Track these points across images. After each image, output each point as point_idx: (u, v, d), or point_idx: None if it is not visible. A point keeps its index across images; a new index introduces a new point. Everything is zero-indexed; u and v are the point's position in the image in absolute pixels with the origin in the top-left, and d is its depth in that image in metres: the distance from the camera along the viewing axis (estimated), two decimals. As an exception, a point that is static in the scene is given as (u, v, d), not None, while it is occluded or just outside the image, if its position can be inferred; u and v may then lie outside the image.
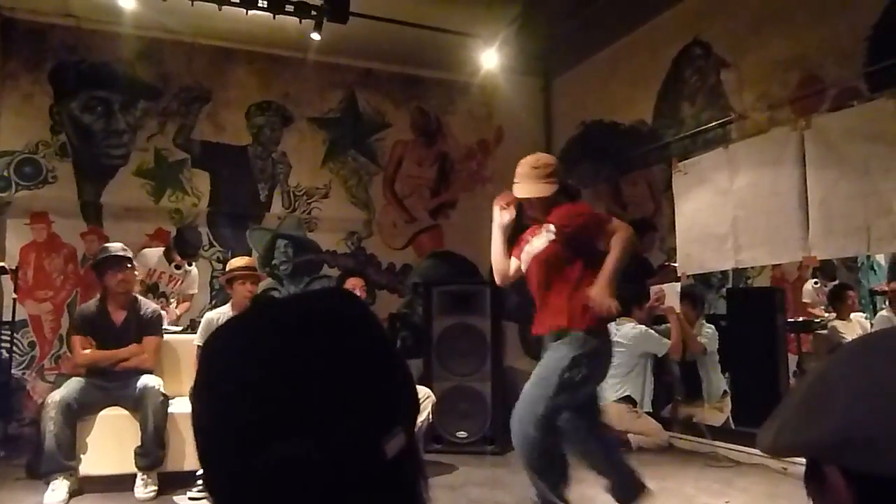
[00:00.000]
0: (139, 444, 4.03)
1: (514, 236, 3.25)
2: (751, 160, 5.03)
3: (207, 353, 0.68)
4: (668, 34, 6.06)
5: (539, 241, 3.01)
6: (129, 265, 4.34)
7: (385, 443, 0.62)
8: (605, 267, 2.88)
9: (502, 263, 3.20)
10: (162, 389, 4.18)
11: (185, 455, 4.18)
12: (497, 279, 3.27)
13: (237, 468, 0.60)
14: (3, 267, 5.44)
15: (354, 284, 5.16)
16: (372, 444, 0.61)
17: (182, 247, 5.58)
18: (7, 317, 5.60)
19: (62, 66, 6.19)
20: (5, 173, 5.97)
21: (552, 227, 2.96)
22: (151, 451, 4.03)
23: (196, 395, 0.67)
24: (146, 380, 4.19)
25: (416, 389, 0.72)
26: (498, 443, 5.28)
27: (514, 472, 4.70)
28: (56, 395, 3.98)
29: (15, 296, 5.64)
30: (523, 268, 3.13)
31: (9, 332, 5.64)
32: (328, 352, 0.63)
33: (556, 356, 2.88)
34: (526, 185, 3.00)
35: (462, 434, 5.30)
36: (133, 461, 4.01)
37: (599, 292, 2.81)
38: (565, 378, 2.81)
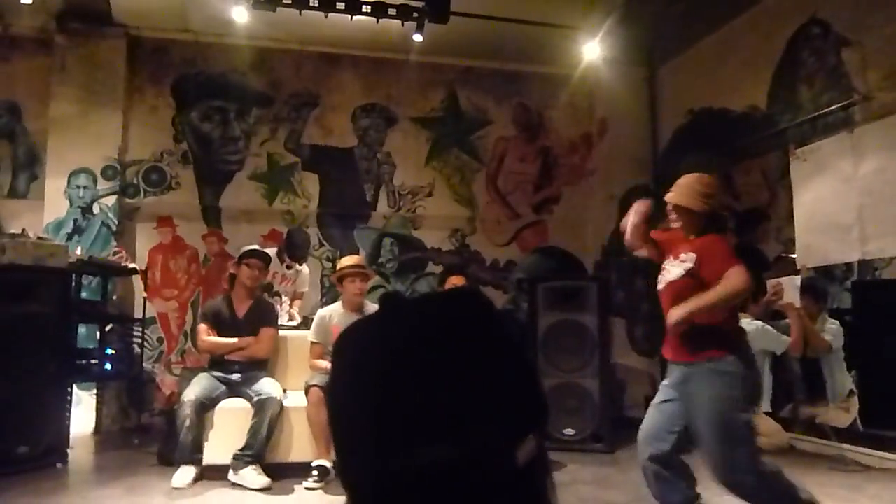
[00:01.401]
0: (243, 446, 4.17)
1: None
2: (878, 144, 4.70)
3: (342, 355, 0.70)
4: (782, 14, 5.74)
5: (676, 269, 2.96)
6: (266, 265, 4.86)
7: (518, 449, 0.63)
8: (702, 296, 2.77)
9: (637, 240, 3.14)
10: (282, 399, 4.39)
11: (300, 447, 4.36)
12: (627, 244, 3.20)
13: (377, 469, 0.62)
14: (134, 268, 5.87)
15: (455, 283, 5.11)
16: (506, 451, 0.62)
17: (291, 249, 5.86)
18: (138, 314, 6.04)
19: (182, 78, 6.62)
20: (134, 181, 6.44)
21: (692, 255, 2.88)
22: (258, 454, 4.19)
23: (334, 395, 0.69)
24: (268, 387, 4.38)
25: (544, 393, 0.71)
26: (606, 441, 5.20)
27: (624, 472, 4.62)
28: (191, 394, 4.26)
29: (145, 295, 6.08)
30: (659, 287, 3.07)
31: (140, 329, 6.08)
32: (463, 358, 0.64)
33: (717, 395, 2.76)
34: (679, 193, 3.00)
35: (570, 431, 5.24)
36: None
37: (677, 311, 2.77)
38: (741, 416, 2.74)
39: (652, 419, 2.96)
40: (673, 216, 3.01)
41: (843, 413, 5.10)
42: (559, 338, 5.42)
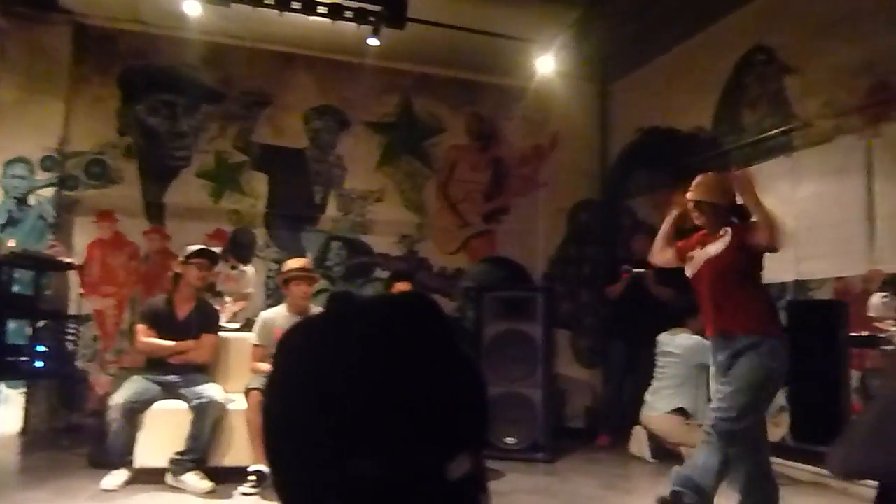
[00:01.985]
0: (183, 449, 4.08)
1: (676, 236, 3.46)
2: (815, 169, 4.88)
3: (284, 358, 0.68)
4: (730, 39, 5.92)
5: (714, 247, 3.15)
6: (214, 264, 4.74)
7: (449, 466, 0.62)
8: (763, 204, 3.04)
9: (664, 245, 3.41)
10: (225, 403, 4.30)
11: (237, 450, 4.27)
12: (653, 257, 3.50)
13: (308, 479, 0.61)
14: (70, 263, 5.67)
15: (402, 289, 4.98)
16: (436, 467, 0.62)
17: (236, 249, 5.76)
18: (73, 311, 5.83)
19: (130, 69, 6.43)
20: (75, 173, 6.22)
21: (730, 231, 3.11)
22: (200, 458, 4.13)
23: (271, 399, 0.67)
24: (209, 390, 4.29)
25: (487, 409, 0.70)
26: (547, 451, 5.24)
27: (564, 481, 4.66)
28: (119, 398, 4.13)
29: (81, 291, 5.88)
30: (690, 272, 3.26)
31: (74, 326, 5.87)
32: (404, 371, 0.63)
33: (752, 365, 3.00)
34: (700, 189, 3.20)
35: (511, 440, 5.27)
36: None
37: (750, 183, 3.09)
38: (769, 388, 3.05)
39: None
40: (695, 213, 3.20)
41: (774, 428, 5.25)
42: (504, 347, 5.45)
